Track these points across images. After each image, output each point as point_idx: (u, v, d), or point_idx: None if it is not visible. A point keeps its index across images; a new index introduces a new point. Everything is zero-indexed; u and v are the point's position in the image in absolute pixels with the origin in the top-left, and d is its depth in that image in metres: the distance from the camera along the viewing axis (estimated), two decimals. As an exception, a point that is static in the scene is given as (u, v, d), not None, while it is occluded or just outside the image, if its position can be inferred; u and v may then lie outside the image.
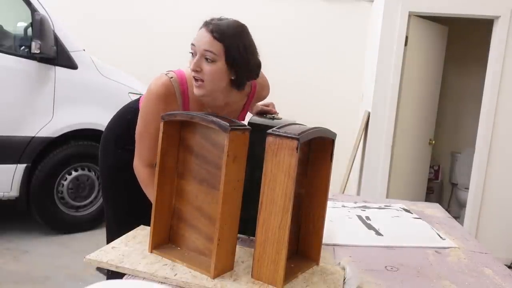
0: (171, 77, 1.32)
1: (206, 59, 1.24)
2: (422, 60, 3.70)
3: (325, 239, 1.20)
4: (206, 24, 1.25)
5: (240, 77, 1.30)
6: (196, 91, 1.28)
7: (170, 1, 4.23)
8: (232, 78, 1.29)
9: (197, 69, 1.24)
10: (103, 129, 1.67)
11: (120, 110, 1.63)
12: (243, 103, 1.49)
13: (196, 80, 1.26)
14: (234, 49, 1.24)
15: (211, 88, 1.28)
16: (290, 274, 1.04)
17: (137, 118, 1.39)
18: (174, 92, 1.31)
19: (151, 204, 1.34)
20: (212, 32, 1.22)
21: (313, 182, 1.14)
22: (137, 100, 1.55)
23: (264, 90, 1.57)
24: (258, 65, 1.34)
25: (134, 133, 1.38)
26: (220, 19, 1.27)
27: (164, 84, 1.30)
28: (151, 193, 1.34)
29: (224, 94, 1.34)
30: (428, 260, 1.30)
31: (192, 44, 1.25)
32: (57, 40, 2.98)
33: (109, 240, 1.51)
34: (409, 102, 3.60)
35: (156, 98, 1.30)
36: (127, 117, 1.55)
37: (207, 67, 1.24)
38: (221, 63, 1.24)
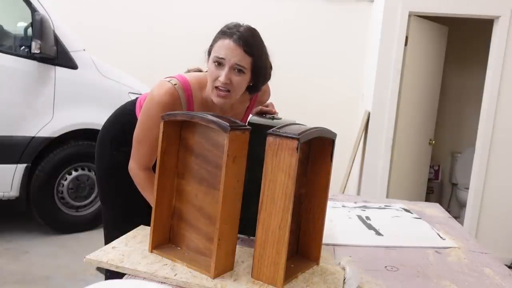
0: (175, 84, 1.29)
1: (234, 70, 1.25)
2: (422, 60, 3.70)
3: (325, 239, 1.20)
4: (230, 35, 1.23)
5: (258, 83, 1.33)
6: (220, 100, 1.27)
7: (170, 1, 4.23)
8: (250, 84, 1.32)
9: (227, 81, 1.25)
10: (103, 129, 1.66)
11: (116, 110, 1.61)
12: (246, 105, 1.50)
13: (221, 90, 1.26)
14: (260, 61, 1.28)
15: (236, 97, 1.30)
16: (290, 274, 1.04)
17: (132, 121, 1.38)
18: (179, 100, 1.29)
19: (148, 204, 1.34)
20: (242, 46, 1.22)
21: (313, 182, 1.14)
22: (134, 103, 1.54)
23: (265, 95, 1.59)
24: (271, 67, 1.36)
25: (130, 136, 1.35)
26: (237, 26, 1.26)
27: (168, 92, 1.27)
28: (148, 196, 1.33)
29: (237, 99, 1.36)
30: (428, 260, 1.30)
31: (220, 57, 1.24)
32: (57, 40, 2.98)
33: (106, 241, 1.50)
34: (409, 102, 3.60)
35: (159, 107, 1.26)
36: (123, 119, 1.54)
37: (236, 78, 1.25)
38: (248, 75, 1.27)
